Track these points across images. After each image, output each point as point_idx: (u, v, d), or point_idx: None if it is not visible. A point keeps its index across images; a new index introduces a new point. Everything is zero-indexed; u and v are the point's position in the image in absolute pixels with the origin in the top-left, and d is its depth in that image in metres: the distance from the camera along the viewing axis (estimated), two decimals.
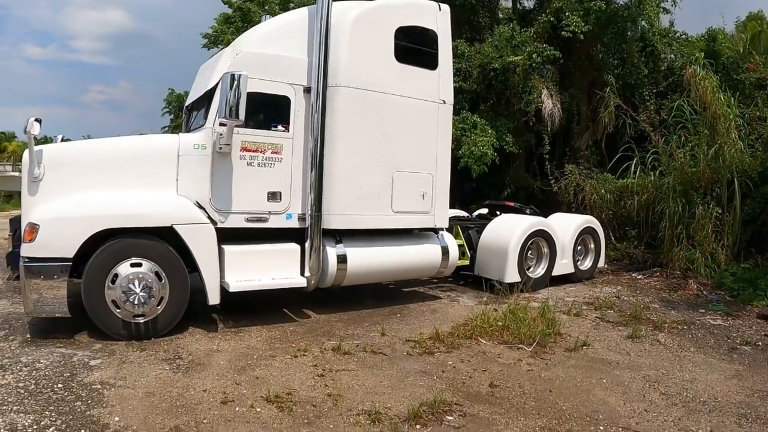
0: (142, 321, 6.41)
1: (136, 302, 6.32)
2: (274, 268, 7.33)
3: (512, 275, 9.75)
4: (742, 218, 10.96)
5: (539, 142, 15.55)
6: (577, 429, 4.70)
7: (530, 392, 5.42)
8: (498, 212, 11.70)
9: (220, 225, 6.95)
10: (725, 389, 5.74)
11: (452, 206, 14.18)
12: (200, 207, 6.84)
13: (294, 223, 7.60)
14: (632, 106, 14.66)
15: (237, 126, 6.84)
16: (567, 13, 14.11)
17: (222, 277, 6.87)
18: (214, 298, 6.80)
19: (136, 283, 6.33)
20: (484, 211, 12.42)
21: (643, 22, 15.59)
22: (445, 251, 9.05)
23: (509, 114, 15.23)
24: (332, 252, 7.78)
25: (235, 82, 6.45)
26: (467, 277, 10.53)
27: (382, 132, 8.10)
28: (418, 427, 4.58)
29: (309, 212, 7.49)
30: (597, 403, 5.25)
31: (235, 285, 6.87)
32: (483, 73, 14.87)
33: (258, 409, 4.74)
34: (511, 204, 11.85)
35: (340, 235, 7.95)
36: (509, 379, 5.76)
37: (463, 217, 11.79)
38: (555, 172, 15.26)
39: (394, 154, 8.25)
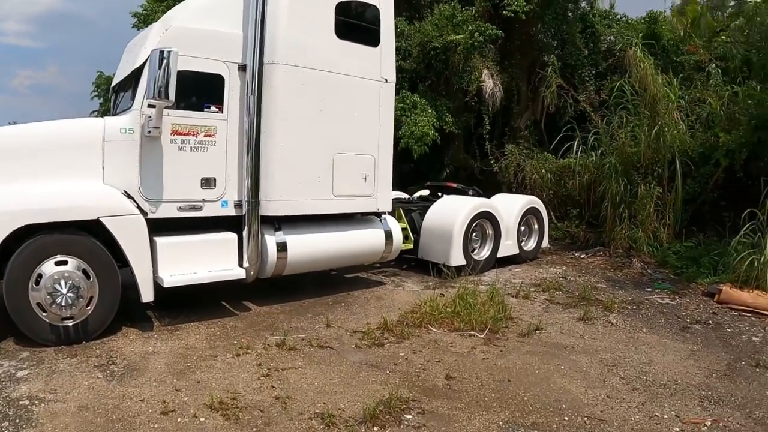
0: (71, 324, 5.82)
1: (63, 304, 5.72)
2: (211, 260, 6.83)
3: (458, 258, 9.49)
4: (683, 197, 11.02)
5: (479, 122, 15.34)
6: (542, 421, 4.45)
7: (488, 383, 5.15)
8: (439, 194, 11.40)
9: (150, 215, 6.44)
10: (683, 370, 5.63)
11: (393, 188, 14.04)
12: (129, 196, 6.29)
13: (230, 211, 7.12)
14: (573, 86, 14.61)
15: (168, 107, 6.30)
16: None
17: (155, 271, 6.37)
18: (147, 294, 6.26)
19: (62, 282, 5.72)
20: (426, 192, 12.06)
21: (583, 4, 15.54)
22: (388, 236, 8.72)
23: (449, 94, 14.89)
24: (271, 240, 7.35)
25: (165, 60, 5.90)
26: (410, 260, 10.24)
27: (322, 112, 7.69)
28: (375, 429, 4.24)
29: (246, 198, 7.06)
30: (558, 391, 5.01)
31: (170, 280, 6.37)
32: (423, 52, 14.52)
33: (202, 419, 4.30)
34: (454, 185, 11.55)
35: (279, 222, 7.55)
36: (465, 369, 5.47)
37: (405, 199, 11.45)
38: (495, 152, 15.08)
39: (335, 135, 7.86)
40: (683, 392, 5.08)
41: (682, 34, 15.56)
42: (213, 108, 6.93)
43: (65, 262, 5.79)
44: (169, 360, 5.46)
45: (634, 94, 11.76)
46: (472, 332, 6.56)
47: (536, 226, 11.38)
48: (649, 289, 9.01)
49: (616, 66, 14.40)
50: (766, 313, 7.62)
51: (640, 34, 12.48)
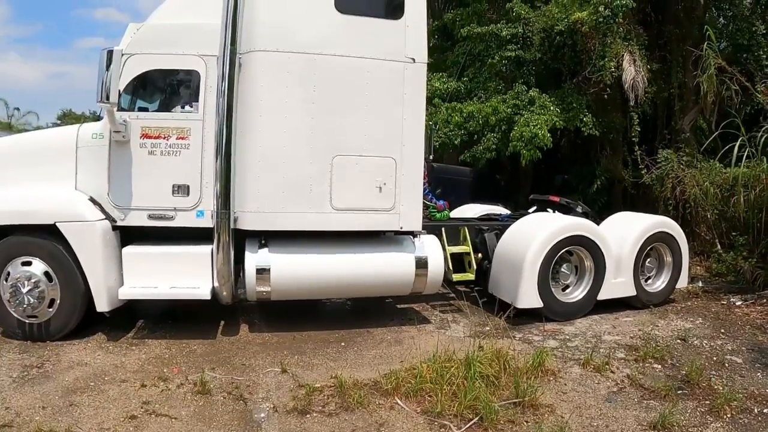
0: (35, 322, 6.01)
1: (25, 303, 5.91)
2: (181, 275, 6.18)
3: (529, 298, 7.09)
4: None
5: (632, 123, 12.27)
6: None
7: None
8: (549, 209, 9.04)
9: (120, 223, 6.19)
10: None
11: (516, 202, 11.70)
12: (96, 203, 6.14)
13: (207, 222, 6.22)
14: (747, 74, 10.98)
15: (124, 110, 6.13)
16: None
17: (122, 281, 6.11)
18: (101, 304, 6.00)
19: (25, 282, 5.91)
20: (532, 209, 9.58)
21: None
22: (421, 263, 6.74)
23: (588, 88, 12.00)
24: (252, 259, 6.27)
25: (110, 60, 5.71)
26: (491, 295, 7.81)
27: (315, 105, 6.27)
28: None
29: (214, 209, 6.06)
30: None
31: (126, 292, 6.05)
32: (548, 38, 11.87)
33: None
34: (556, 199, 9.03)
35: (265, 238, 6.37)
36: None
37: (496, 215, 9.10)
38: (646, 159, 11.89)
39: (334, 132, 6.34)
40: None
41: None
42: (188, 107, 6.33)
43: (30, 263, 5.97)
44: (85, 374, 5.27)
45: None
46: (449, 422, 4.40)
47: (669, 259, 8.32)
48: None
49: None
50: None
51: None
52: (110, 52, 5.69)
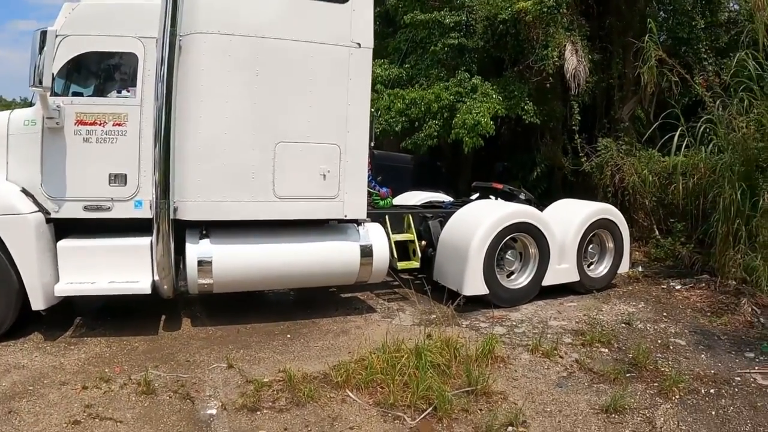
0: None
1: None
2: (119, 269, 5.86)
3: (474, 285, 7.02)
4: None
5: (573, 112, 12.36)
6: None
7: None
8: (492, 196, 8.97)
9: (54, 215, 5.82)
10: None
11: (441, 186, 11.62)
12: (28, 194, 5.74)
13: (146, 213, 5.90)
14: (686, 66, 11.21)
15: (57, 95, 5.74)
16: None
17: (58, 277, 5.73)
18: (37, 302, 5.61)
19: None
20: (475, 196, 9.50)
21: None
22: (366, 251, 6.59)
23: (531, 76, 11.99)
24: (193, 250, 6.00)
25: (42, 42, 5.36)
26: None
27: (258, 90, 6.04)
28: None
29: (153, 198, 5.75)
30: None
31: (62, 288, 5.66)
32: (491, 27, 11.81)
33: None
34: (499, 186, 9.03)
35: (206, 228, 6.10)
36: None
37: (439, 203, 9.01)
38: (586, 147, 12.00)
39: (277, 119, 6.13)
40: None
41: None
42: (125, 92, 5.99)
43: None
44: (23, 378, 4.92)
45: (760, 68, 8.51)
46: (402, 413, 4.28)
47: (611, 245, 8.43)
48: (751, 354, 5.94)
49: (742, 41, 10.83)
50: None
51: None
52: (44, 33, 5.36)
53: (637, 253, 10.23)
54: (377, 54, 13.33)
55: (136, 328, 6.14)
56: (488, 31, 11.92)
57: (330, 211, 6.37)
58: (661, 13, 12.86)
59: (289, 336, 6.12)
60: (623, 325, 6.75)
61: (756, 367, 5.58)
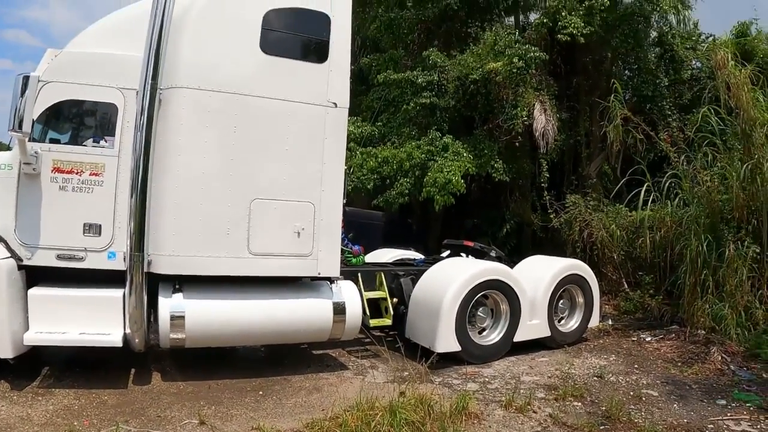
0: None
1: None
2: (91, 320, 5.76)
3: (447, 342, 7.03)
4: None
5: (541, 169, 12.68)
6: None
7: None
8: (462, 254, 9.02)
9: (26, 262, 5.76)
10: None
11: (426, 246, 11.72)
12: (1, 239, 5.71)
13: (119, 265, 5.86)
14: (651, 123, 11.64)
15: (36, 141, 5.78)
16: (564, 14, 11.34)
17: (27, 326, 5.65)
18: (5, 350, 5.50)
19: None
20: (446, 253, 9.57)
21: (659, 23, 12.73)
22: (339, 309, 6.58)
23: (500, 135, 12.32)
24: (165, 304, 5.93)
25: (25, 87, 5.46)
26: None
27: (235, 146, 6.13)
28: None
29: (127, 251, 5.75)
30: None
31: (31, 338, 5.56)
32: (462, 86, 12.18)
33: None
34: (470, 244, 9.16)
35: (179, 282, 6.05)
36: None
37: (411, 260, 9.08)
38: (554, 204, 12.26)
39: (254, 175, 6.19)
40: None
41: None
42: (103, 142, 6.01)
43: None
44: None
45: (722, 123, 8.90)
46: None
47: (581, 300, 8.54)
48: (723, 401, 6.05)
49: (705, 97, 11.32)
50: None
51: (729, 50, 9.48)
52: (26, 78, 5.45)
53: (606, 306, 10.38)
54: (350, 111, 13.60)
55: (106, 381, 6.02)
56: (459, 90, 12.30)
57: (304, 269, 6.39)
58: (627, 71, 13.44)
59: (261, 393, 6.03)
60: (595, 378, 6.80)
61: (728, 414, 5.69)
